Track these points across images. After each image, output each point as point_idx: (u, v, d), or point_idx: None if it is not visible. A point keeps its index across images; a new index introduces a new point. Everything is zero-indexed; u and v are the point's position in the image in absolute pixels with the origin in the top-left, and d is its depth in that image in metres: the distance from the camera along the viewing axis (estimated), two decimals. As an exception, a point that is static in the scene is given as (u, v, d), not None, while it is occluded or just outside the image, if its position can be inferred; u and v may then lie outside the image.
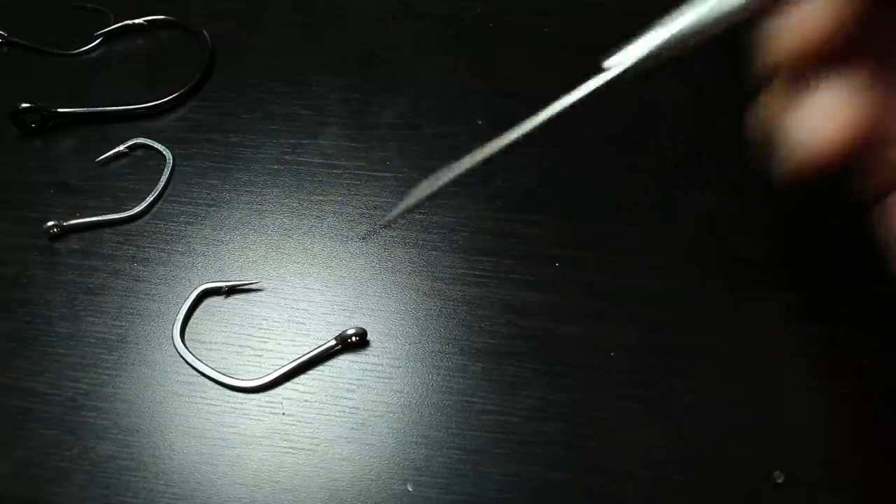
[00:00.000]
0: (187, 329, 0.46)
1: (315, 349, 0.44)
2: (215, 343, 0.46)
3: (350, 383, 0.44)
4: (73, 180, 0.53)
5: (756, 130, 0.36)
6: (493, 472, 0.41)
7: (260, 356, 0.45)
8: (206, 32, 0.60)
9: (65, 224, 0.50)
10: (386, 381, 0.44)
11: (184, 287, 0.48)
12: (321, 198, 0.51)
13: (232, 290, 0.47)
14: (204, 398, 0.44)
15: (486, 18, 0.61)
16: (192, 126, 0.56)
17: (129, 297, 0.48)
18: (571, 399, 0.43)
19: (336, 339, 0.44)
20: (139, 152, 0.54)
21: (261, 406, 0.43)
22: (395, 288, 0.47)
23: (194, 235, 0.50)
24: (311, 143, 0.54)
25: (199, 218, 0.51)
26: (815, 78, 0.33)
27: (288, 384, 0.44)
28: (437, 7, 0.62)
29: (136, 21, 0.61)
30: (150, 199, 0.52)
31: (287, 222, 0.50)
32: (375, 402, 0.43)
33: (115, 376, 0.45)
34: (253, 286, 0.48)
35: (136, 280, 0.48)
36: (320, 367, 0.44)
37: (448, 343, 0.45)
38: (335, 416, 0.43)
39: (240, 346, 0.45)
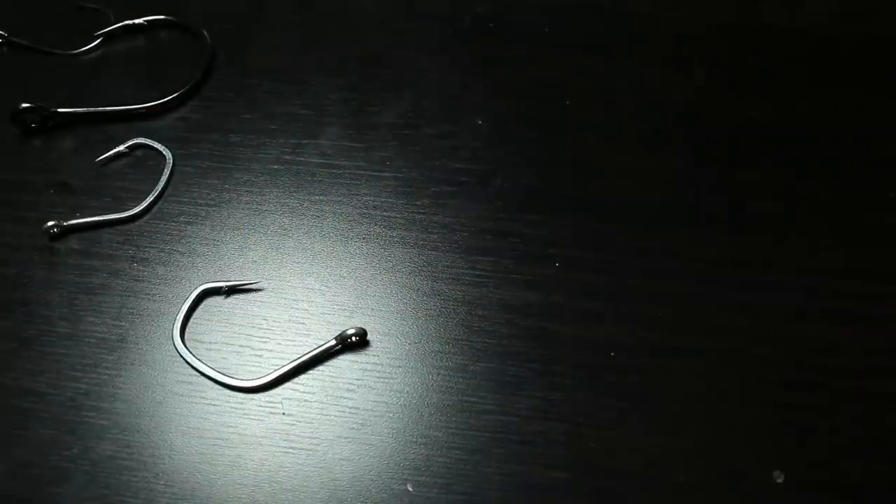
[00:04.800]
0: (187, 329, 0.46)
1: (315, 349, 0.44)
2: (215, 343, 0.46)
3: (350, 383, 0.44)
4: (73, 180, 0.53)
5: None
6: (493, 472, 0.41)
7: (260, 356, 0.45)
8: (206, 32, 0.60)
9: (65, 224, 0.50)
10: (386, 381, 0.44)
11: (184, 287, 0.48)
12: (321, 198, 0.51)
13: (232, 290, 0.47)
14: (204, 398, 0.44)
15: (486, 18, 0.61)
16: (192, 126, 0.56)
17: (129, 297, 0.47)
18: (571, 399, 0.43)
19: (336, 339, 0.44)
20: (139, 152, 0.54)
21: (261, 406, 0.43)
22: (395, 288, 0.47)
23: (194, 235, 0.50)
24: (311, 143, 0.54)
25: (199, 218, 0.51)
26: None
27: (288, 384, 0.44)
28: (437, 7, 0.62)
29: (136, 21, 0.61)
30: (150, 199, 0.52)
31: (287, 222, 0.50)
32: (375, 402, 0.43)
33: (115, 376, 0.45)
34: (253, 286, 0.48)
35: (136, 280, 0.48)
36: (320, 367, 0.44)
37: (448, 343, 0.45)
38: (335, 416, 0.43)
39: (240, 346, 0.45)
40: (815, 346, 0.44)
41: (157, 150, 0.54)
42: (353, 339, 0.44)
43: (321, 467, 0.41)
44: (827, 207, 0.50)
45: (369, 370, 0.44)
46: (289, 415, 0.43)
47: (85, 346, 0.46)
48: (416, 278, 0.47)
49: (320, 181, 0.52)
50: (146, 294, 0.48)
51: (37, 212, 0.51)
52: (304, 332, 0.46)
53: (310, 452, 0.42)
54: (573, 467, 0.41)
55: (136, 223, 0.51)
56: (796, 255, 0.47)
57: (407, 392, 0.43)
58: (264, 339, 0.46)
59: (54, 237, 0.50)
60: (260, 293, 0.47)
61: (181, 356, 0.45)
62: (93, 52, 0.61)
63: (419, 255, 0.48)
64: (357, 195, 0.51)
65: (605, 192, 0.51)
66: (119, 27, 0.61)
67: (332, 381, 0.44)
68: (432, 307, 0.46)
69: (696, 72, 0.57)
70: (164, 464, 0.41)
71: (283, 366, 0.44)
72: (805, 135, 0.53)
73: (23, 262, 0.49)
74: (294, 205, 0.51)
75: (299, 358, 0.44)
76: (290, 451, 0.42)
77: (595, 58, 0.58)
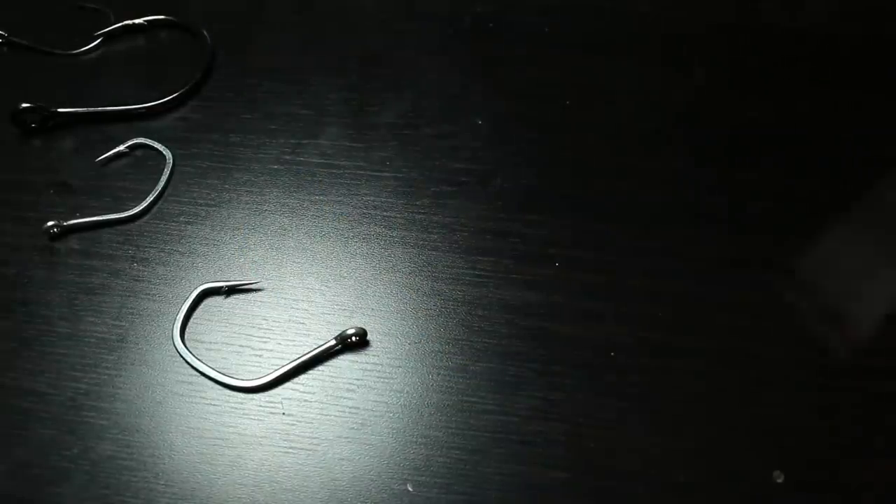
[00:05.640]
0: (187, 329, 0.46)
1: (315, 349, 0.44)
2: (215, 343, 0.46)
3: (350, 383, 0.44)
4: (73, 180, 0.53)
5: None
6: (493, 472, 0.41)
7: (260, 356, 0.45)
8: (206, 32, 0.60)
9: (65, 224, 0.50)
10: (386, 381, 0.44)
11: (184, 287, 0.48)
12: (321, 198, 0.51)
13: (232, 290, 0.47)
14: (204, 398, 0.44)
15: (486, 18, 0.61)
16: (192, 126, 0.56)
17: (129, 297, 0.47)
18: (571, 399, 0.43)
19: (336, 339, 0.44)
20: (139, 152, 0.54)
21: (261, 406, 0.43)
22: (395, 288, 0.47)
23: (194, 235, 0.50)
24: (311, 143, 0.54)
25: (199, 218, 0.51)
26: None
27: (288, 384, 0.44)
28: (437, 7, 0.62)
29: (136, 21, 0.61)
30: (150, 199, 0.52)
31: (287, 222, 0.50)
32: (375, 402, 0.43)
33: (115, 376, 0.45)
34: (253, 286, 0.48)
35: (136, 280, 0.48)
36: (320, 367, 0.44)
37: (448, 343, 0.45)
38: (335, 416, 0.43)
39: (240, 346, 0.45)
40: (815, 345, 0.44)
41: (157, 150, 0.54)
42: (353, 339, 0.44)
43: (321, 467, 0.41)
44: (827, 207, 0.50)
45: (369, 370, 0.44)
46: (289, 415, 0.43)
47: (85, 346, 0.46)
48: (416, 278, 0.47)
49: (320, 181, 0.52)
50: (146, 294, 0.48)
51: (37, 212, 0.51)
52: (304, 332, 0.46)
53: (310, 452, 0.42)
54: (573, 467, 0.41)
55: (136, 223, 0.51)
56: (796, 255, 0.47)
57: (407, 392, 0.43)
58: (264, 339, 0.46)
59: (54, 237, 0.50)
60: (260, 293, 0.47)
61: (181, 356, 0.45)
62: (93, 52, 0.61)
63: (419, 255, 0.48)
64: (357, 195, 0.51)
65: (605, 192, 0.51)
66: (119, 27, 0.61)
67: (332, 381, 0.44)
68: (432, 307, 0.46)
69: (696, 72, 0.57)
70: (164, 464, 0.41)
71: (283, 366, 0.44)
72: (805, 135, 0.53)
73: (23, 262, 0.49)
74: (294, 205, 0.51)
75: (299, 358, 0.44)
76: (290, 451, 0.42)
77: (595, 58, 0.58)
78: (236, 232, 0.50)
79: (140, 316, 0.47)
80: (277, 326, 0.46)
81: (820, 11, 0.61)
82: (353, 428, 0.42)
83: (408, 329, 0.45)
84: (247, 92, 0.57)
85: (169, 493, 0.41)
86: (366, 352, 0.45)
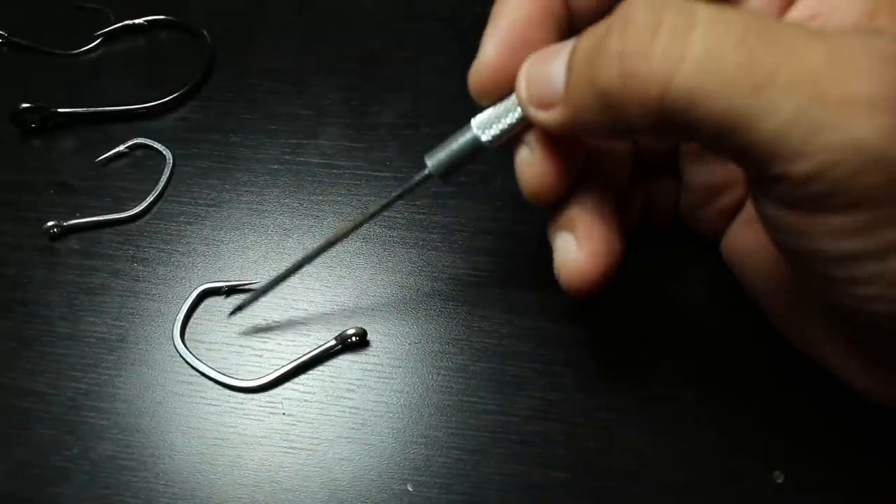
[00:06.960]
0: (187, 329, 0.46)
1: (315, 349, 0.44)
2: (215, 343, 0.46)
3: (350, 383, 0.44)
4: (73, 180, 0.53)
5: None
6: (493, 472, 0.41)
7: (260, 356, 0.45)
8: (206, 32, 0.60)
9: (65, 224, 0.50)
10: (386, 381, 0.44)
11: (184, 287, 0.48)
12: (321, 198, 0.51)
13: (232, 290, 0.48)
14: (204, 398, 0.44)
15: (486, 18, 0.61)
16: (192, 126, 0.56)
17: (129, 297, 0.48)
18: (571, 399, 0.43)
19: (336, 339, 0.44)
20: (139, 152, 0.54)
21: (261, 406, 0.43)
22: (395, 288, 0.47)
23: (194, 235, 0.50)
24: (311, 143, 0.54)
25: (199, 218, 0.51)
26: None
27: (288, 384, 0.44)
28: (437, 7, 0.62)
29: (136, 21, 0.61)
30: (150, 199, 0.52)
31: (287, 222, 0.50)
32: (375, 402, 0.43)
33: (115, 376, 0.45)
34: (253, 286, 0.48)
35: (136, 280, 0.48)
36: (320, 367, 0.45)
37: (448, 343, 0.45)
38: (335, 416, 0.43)
39: (240, 346, 0.45)
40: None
41: (157, 150, 0.54)
42: (353, 339, 0.44)
43: (321, 467, 0.41)
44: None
45: (369, 370, 0.44)
46: (289, 415, 0.43)
47: (85, 346, 0.46)
48: (416, 278, 0.47)
49: (320, 181, 0.52)
50: (146, 294, 0.48)
51: (37, 212, 0.51)
52: (304, 332, 0.46)
53: (310, 452, 0.42)
54: (573, 467, 0.41)
55: (136, 223, 0.51)
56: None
57: (407, 392, 0.43)
58: (264, 339, 0.46)
59: (54, 237, 0.50)
60: (260, 293, 0.47)
61: (181, 356, 0.45)
62: (93, 52, 0.61)
63: (419, 255, 0.48)
64: (357, 195, 0.51)
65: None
66: (119, 27, 0.61)
67: (332, 381, 0.44)
68: (432, 307, 0.46)
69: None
70: (164, 464, 0.42)
71: (283, 366, 0.44)
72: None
73: (23, 262, 0.49)
74: (294, 205, 0.51)
75: (299, 358, 0.44)
76: (290, 451, 0.42)
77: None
78: (236, 232, 0.50)
79: (140, 316, 0.47)
80: (277, 326, 0.46)
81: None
82: (353, 428, 0.42)
83: (408, 329, 0.45)
84: (247, 92, 0.57)
85: (169, 493, 0.41)
86: (366, 352, 0.45)
